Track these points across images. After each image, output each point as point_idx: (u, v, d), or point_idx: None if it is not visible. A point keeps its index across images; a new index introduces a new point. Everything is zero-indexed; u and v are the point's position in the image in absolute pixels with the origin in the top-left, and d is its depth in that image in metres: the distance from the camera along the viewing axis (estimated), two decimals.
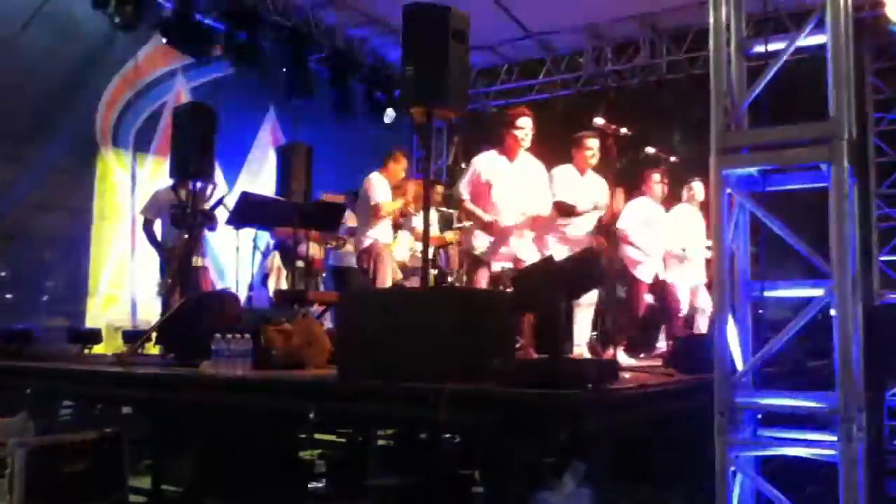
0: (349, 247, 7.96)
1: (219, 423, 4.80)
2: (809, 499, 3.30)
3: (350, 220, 8.09)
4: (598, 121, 5.63)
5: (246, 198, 6.77)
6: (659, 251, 7.18)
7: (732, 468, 3.17)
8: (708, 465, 3.23)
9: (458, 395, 3.04)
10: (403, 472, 4.90)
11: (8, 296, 7.58)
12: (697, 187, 7.66)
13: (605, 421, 3.20)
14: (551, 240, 6.27)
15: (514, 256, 5.89)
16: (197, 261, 6.95)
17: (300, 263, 7.47)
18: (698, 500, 4.12)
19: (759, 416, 3.32)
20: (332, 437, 5.95)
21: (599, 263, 4.12)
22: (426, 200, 4.50)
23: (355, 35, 10.17)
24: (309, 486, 5.39)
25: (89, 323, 7.89)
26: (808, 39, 3.31)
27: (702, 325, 7.49)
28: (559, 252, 5.91)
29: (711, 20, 3.39)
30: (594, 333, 6.78)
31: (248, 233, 7.45)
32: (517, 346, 4.48)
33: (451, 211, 8.00)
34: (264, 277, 8.62)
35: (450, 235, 7.95)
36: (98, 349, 6.74)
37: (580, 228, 6.39)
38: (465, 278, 6.95)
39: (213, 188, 6.64)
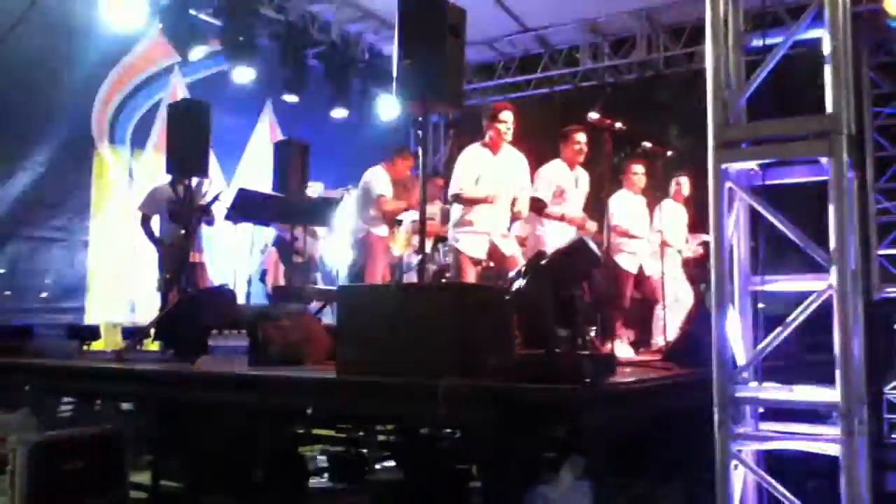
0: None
1: (218, 419, 4.80)
2: (810, 492, 3.30)
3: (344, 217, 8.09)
4: (593, 115, 5.64)
5: (243, 194, 6.77)
6: (642, 243, 7.19)
7: (733, 462, 3.17)
8: (707, 459, 3.23)
9: (456, 390, 3.04)
10: (402, 467, 4.91)
11: (7, 293, 7.57)
12: (684, 182, 7.66)
13: (603, 415, 3.20)
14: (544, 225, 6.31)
15: (498, 253, 5.92)
16: (194, 256, 6.95)
17: (298, 259, 7.46)
18: (697, 494, 4.13)
19: (760, 409, 3.32)
20: (332, 433, 5.95)
21: (588, 254, 4.10)
22: (423, 196, 4.50)
23: (351, 30, 10.16)
24: (308, 481, 5.40)
25: (88, 319, 7.90)
26: (806, 33, 3.30)
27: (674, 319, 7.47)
28: (552, 237, 6.00)
29: (709, 14, 3.39)
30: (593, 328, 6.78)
31: (247, 229, 7.45)
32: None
33: (448, 206, 7.99)
34: (262, 273, 8.62)
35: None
36: (97, 346, 6.74)
37: (574, 210, 6.45)
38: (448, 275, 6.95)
39: (210, 184, 6.63)
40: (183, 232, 6.44)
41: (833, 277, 3.03)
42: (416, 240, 7.58)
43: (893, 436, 7.88)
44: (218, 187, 7.06)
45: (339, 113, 10.02)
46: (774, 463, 3.37)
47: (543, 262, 4.19)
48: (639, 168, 7.24)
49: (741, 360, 3.26)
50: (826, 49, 3.15)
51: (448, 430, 4.50)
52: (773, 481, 3.13)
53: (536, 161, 6.44)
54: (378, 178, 7.20)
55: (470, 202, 5.94)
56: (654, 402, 3.76)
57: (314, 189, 7.87)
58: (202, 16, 8.49)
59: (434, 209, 7.64)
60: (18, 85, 7.53)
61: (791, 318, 3.14)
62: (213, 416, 4.70)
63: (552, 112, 10.23)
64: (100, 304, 8.24)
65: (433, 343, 3.41)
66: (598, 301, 6.38)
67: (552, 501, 3.24)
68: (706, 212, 3.34)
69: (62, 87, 7.93)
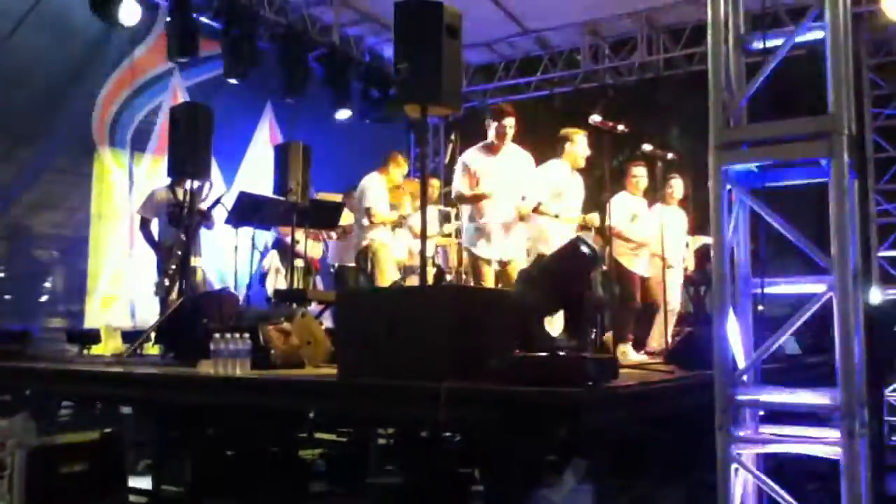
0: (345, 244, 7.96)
1: (218, 423, 4.79)
2: (811, 495, 3.29)
3: (345, 218, 8.09)
4: (595, 118, 5.63)
5: (244, 197, 6.77)
6: (646, 245, 7.18)
7: (734, 465, 3.16)
8: (708, 461, 3.22)
9: (458, 393, 3.03)
10: (403, 470, 4.90)
11: (6, 296, 7.57)
12: (676, 184, 7.65)
13: (605, 418, 3.19)
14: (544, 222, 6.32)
15: (502, 254, 5.94)
16: (194, 260, 6.94)
17: (299, 262, 7.46)
18: (699, 497, 4.12)
19: (761, 412, 3.32)
20: (333, 436, 5.95)
21: (582, 257, 4.08)
22: (423, 199, 4.49)
23: (351, 33, 10.16)
24: (309, 484, 5.39)
25: (88, 323, 7.89)
26: (806, 34, 3.30)
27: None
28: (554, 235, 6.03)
29: (710, 15, 3.38)
30: (595, 330, 6.77)
31: (247, 232, 7.45)
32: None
33: (448, 209, 8.00)
34: (262, 276, 8.62)
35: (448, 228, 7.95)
36: (97, 349, 6.74)
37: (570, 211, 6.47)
38: (464, 277, 6.96)
39: (210, 187, 6.63)
40: (183, 235, 6.44)
41: (834, 279, 3.03)
42: (416, 244, 7.61)
43: (894, 438, 7.88)
44: (219, 190, 7.05)
45: (342, 114, 10.03)
46: (775, 465, 3.36)
47: (537, 265, 4.19)
48: (640, 171, 7.23)
49: (742, 362, 3.25)
50: (826, 50, 3.15)
51: (449, 434, 4.50)
52: (773, 484, 3.12)
53: (536, 163, 6.44)
54: (372, 187, 7.21)
55: (470, 200, 5.96)
56: (656, 405, 3.75)
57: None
58: (203, 19, 8.50)
59: (432, 212, 7.64)
60: (19, 87, 7.53)
61: (791, 320, 3.13)
62: (213, 419, 4.70)
63: (552, 114, 10.24)
64: (100, 308, 8.24)
65: (434, 345, 3.41)
66: (596, 305, 6.39)
67: None
68: (706, 213, 3.33)
69: (63, 90, 7.94)
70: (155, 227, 7.18)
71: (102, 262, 8.32)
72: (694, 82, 9.55)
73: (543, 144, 6.55)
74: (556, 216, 6.34)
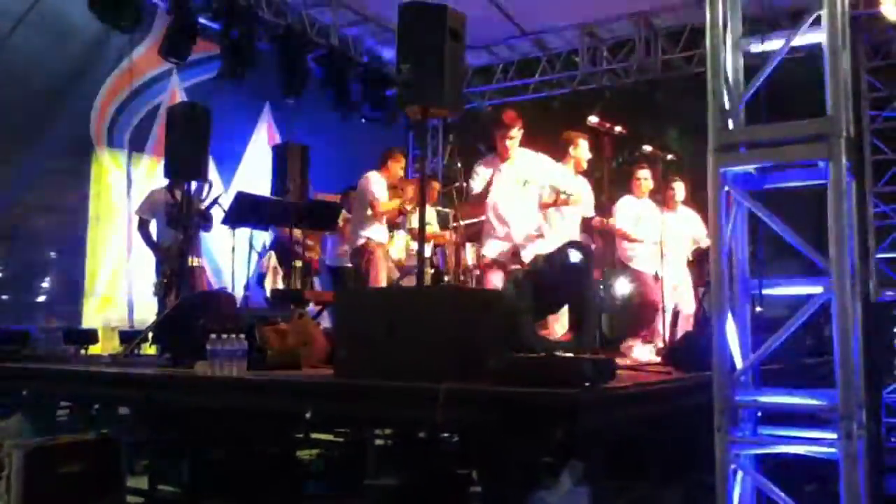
0: (346, 247, 7.95)
1: (215, 424, 4.78)
2: (809, 496, 3.29)
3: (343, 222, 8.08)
4: (593, 119, 5.64)
5: (241, 197, 6.76)
6: (654, 245, 7.19)
7: (733, 466, 3.16)
8: (706, 463, 3.22)
9: (455, 394, 3.03)
10: (401, 471, 4.89)
11: (4, 297, 7.56)
12: (678, 186, 7.68)
13: (602, 419, 3.19)
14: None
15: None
16: (192, 260, 6.93)
17: (297, 263, 7.45)
18: (697, 498, 4.12)
19: (759, 413, 3.32)
20: (330, 437, 5.94)
21: (569, 264, 4.09)
22: (422, 199, 4.49)
23: (350, 34, 10.16)
24: (306, 486, 5.38)
25: (85, 323, 7.89)
26: (804, 37, 3.30)
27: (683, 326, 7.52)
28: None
29: (708, 18, 3.39)
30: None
31: (245, 232, 7.44)
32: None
33: (447, 210, 7.99)
34: (260, 277, 8.61)
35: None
36: (94, 350, 6.74)
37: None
38: (462, 278, 6.97)
39: (209, 188, 6.62)
40: (181, 236, 6.43)
41: (832, 281, 3.03)
42: (414, 244, 7.61)
43: (892, 439, 7.88)
44: (217, 191, 7.05)
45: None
46: (774, 466, 3.36)
47: (523, 269, 4.19)
48: (644, 173, 7.27)
49: (740, 363, 3.25)
50: (825, 52, 3.15)
51: (447, 434, 4.50)
52: (772, 486, 3.13)
53: None
54: (372, 183, 7.22)
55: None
56: (653, 406, 3.75)
57: None
58: (201, 19, 8.49)
59: (431, 213, 7.65)
60: (18, 87, 7.53)
61: (790, 321, 3.13)
62: (210, 420, 4.69)
63: (550, 116, 10.25)
64: (97, 308, 8.23)
65: (431, 346, 3.41)
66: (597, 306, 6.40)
67: None
68: (704, 215, 3.34)
69: (61, 90, 7.94)
70: (154, 227, 7.18)
71: (100, 262, 8.31)
72: (692, 85, 9.57)
73: (541, 146, 6.55)
74: (568, 196, 6.28)
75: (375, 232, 7.23)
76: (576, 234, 6.49)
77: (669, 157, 6.74)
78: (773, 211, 3.24)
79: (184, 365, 4.71)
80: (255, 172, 9.50)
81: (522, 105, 10.50)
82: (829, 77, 3.15)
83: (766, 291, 3.37)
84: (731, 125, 3.33)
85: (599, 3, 9.23)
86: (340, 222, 7.96)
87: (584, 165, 6.52)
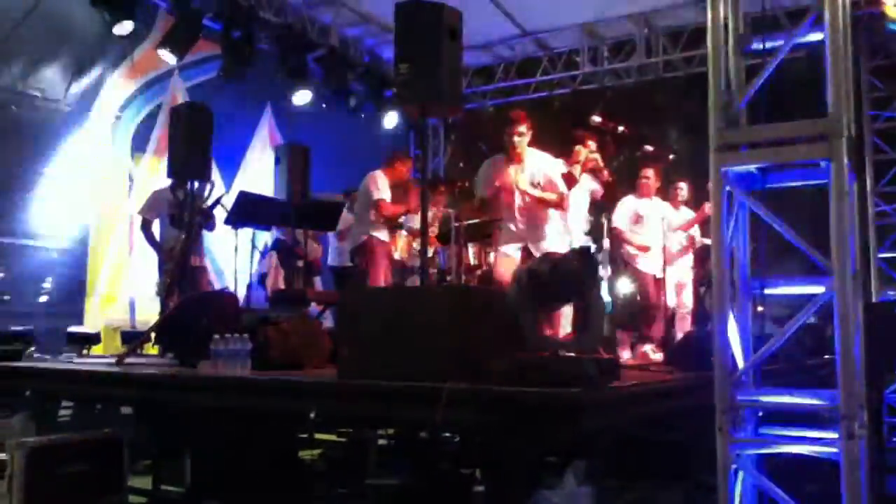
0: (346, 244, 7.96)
1: (218, 424, 4.79)
2: (810, 496, 3.30)
3: (344, 222, 8.09)
4: (596, 119, 5.64)
5: (244, 197, 6.77)
6: (657, 245, 7.20)
7: (734, 466, 3.17)
8: (708, 462, 3.23)
9: (458, 394, 3.03)
10: (404, 471, 4.90)
11: (6, 297, 7.57)
12: (683, 186, 7.70)
13: (604, 419, 3.19)
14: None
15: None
16: (195, 260, 6.94)
17: (299, 263, 7.46)
18: (699, 498, 4.13)
19: (760, 413, 3.32)
20: (333, 437, 5.95)
21: (578, 271, 4.08)
22: (424, 199, 4.50)
23: (350, 34, 10.17)
24: (309, 485, 5.39)
25: (88, 324, 7.90)
26: (805, 37, 3.31)
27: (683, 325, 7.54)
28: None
29: (709, 18, 3.39)
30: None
31: (247, 232, 7.45)
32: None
33: (450, 210, 8.00)
34: (262, 277, 8.61)
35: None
36: (97, 350, 6.75)
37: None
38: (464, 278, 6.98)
39: (212, 188, 6.63)
40: (184, 236, 6.44)
41: (833, 281, 3.03)
42: (416, 244, 7.61)
43: (894, 439, 7.88)
44: (219, 191, 7.05)
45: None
46: (775, 466, 3.37)
47: (527, 270, 4.17)
48: (649, 172, 7.29)
49: (741, 363, 3.26)
50: (826, 52, 3.16)
51: (449, 434, 4.51)
52: (773, 486, 3.13)
53: None
54: (377, 183, 7.20)
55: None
56: (655, 406, 3.76)
57: None
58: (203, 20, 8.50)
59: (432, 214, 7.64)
60: (19, 87, 7.54)
61: (791, 322, 3.14)
62: (213, 420, 4.70)
63: (551, 116, 10.25)
64: (99, 308, 8.24)
65: (435, 346, 3.41)
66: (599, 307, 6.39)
67: None
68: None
69: (62, 91, 7.94)
70: (156, 227, 7.18)
71: (102, 262, 8.32)
72: (693, 84, 9.56)
73: (542, 146, 6.55)
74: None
75: (377, 230, 7.22)
76: (578, 233, 6.48)
77: (671, 156, 6.76)
78: (775, 211, 3.24)
79: (186, 365, 4.72)
80: (256, 173, 9.52)
81: (523, 105, 10.51)
82: (830, 77, 3.16)
83: (767, 291, 3.38)
84: (732, 125, 3.34)
85: (600, 3, 9.22)
86: (341, 223, 7.97)
87: (590, 166, 6.51)
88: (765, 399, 3.25)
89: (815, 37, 3.25)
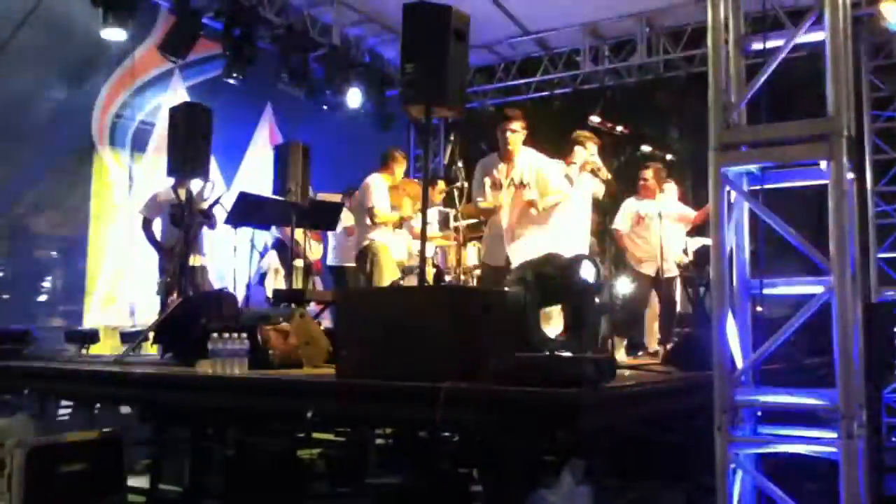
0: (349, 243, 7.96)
1: (217, 423, 4.79)
2: (809, 495, 3.30)
3: (345, 220, 8.09)
4: (594, 119, 5.63)
5: (244, 197, 6.77)
6: (656, 246, 7.20)
7: (733, 465, 3.17)
8: (707, 462, 3.23)
9: (456, 393, 3.03)
10: (403, 471, 4.90)
11: (5, 296, 7.57)
12: (669, 188, 7.68)
13: (603, 419, 3.19)
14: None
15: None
16: (195, 260, 6.94)
17: (298, 263, 7.46)
18: (697, 498, 4.13)
19: (759, 413, 3.32)
20: (331, 437, 5.95)
21: (569, 272, 4.06)
22: (424, 199, 4.49)
23: (352, 33, 10.16)
24: (308, 485, 5.39)
25: (87, 323, 7.89)
26: (806, 36, 3.31)
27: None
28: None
29: (710, 17, 3.39)
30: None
31: (246, 232, 7.45)
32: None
33: (447, 210, 8.00)
34: (262, 277, 8.62)
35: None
36: (96, 349, 6.73)
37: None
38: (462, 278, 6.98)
39: (213, 187, 6.63)
40: (184, 235, 6.44)
41: (833, 280, 3.03)
42: (416, 245, 7.61)
43: (893, 439, 7.88)
44: (220, 190, 7.05)
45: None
46: (774, 466, 3.37)
47: (533, 270, 4.16)
48: (648, 173, 7.30)
49: (740, 363, 3.25)
50: (826, 52, 3.15)
51: (448, 434, 4.50)
52: (772, 485, 3.13)
53: None
54: (374, 187, 7.18)
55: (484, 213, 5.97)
56: (654, 406, 3.76)
57: None
58: (203, 19, 8.49)
59: (432, 213, 7.64)
60: (19, 87, 7.54)
61: (790, 321, 3.14)
62: (212, 419, 4.70)
63: (552, 115, 10.25)
64: (99, 308, 8.24)
65: (432, 346, 3.41)
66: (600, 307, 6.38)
67: None
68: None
69: (63, 90, 7.94)
70: (157, 227, 7.18)
71: (102, 261, 8.32)
72: (693, 84, 9.57)
73: (542, 146, 6.55)
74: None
75: (379, 233, 7.22)
76: (582, 233, 6.46)
77: (669, 156, 6.76)
78: (774, 210, 3.24)
79: (185, 364, 4.72)
80: (256, 172, 9.51)
81: (524, 104, 10.51)
82: (830, 76, 3.15)
83: (766, 291, 3.37)
84: (732, 124, 3.33)
85: (601, 3, 9.22)
86: (345, 221, 7.97)
87: (589, 167, 6.49)
88: (763, 399, 3.25)
89: (816, 37, 3.25)
